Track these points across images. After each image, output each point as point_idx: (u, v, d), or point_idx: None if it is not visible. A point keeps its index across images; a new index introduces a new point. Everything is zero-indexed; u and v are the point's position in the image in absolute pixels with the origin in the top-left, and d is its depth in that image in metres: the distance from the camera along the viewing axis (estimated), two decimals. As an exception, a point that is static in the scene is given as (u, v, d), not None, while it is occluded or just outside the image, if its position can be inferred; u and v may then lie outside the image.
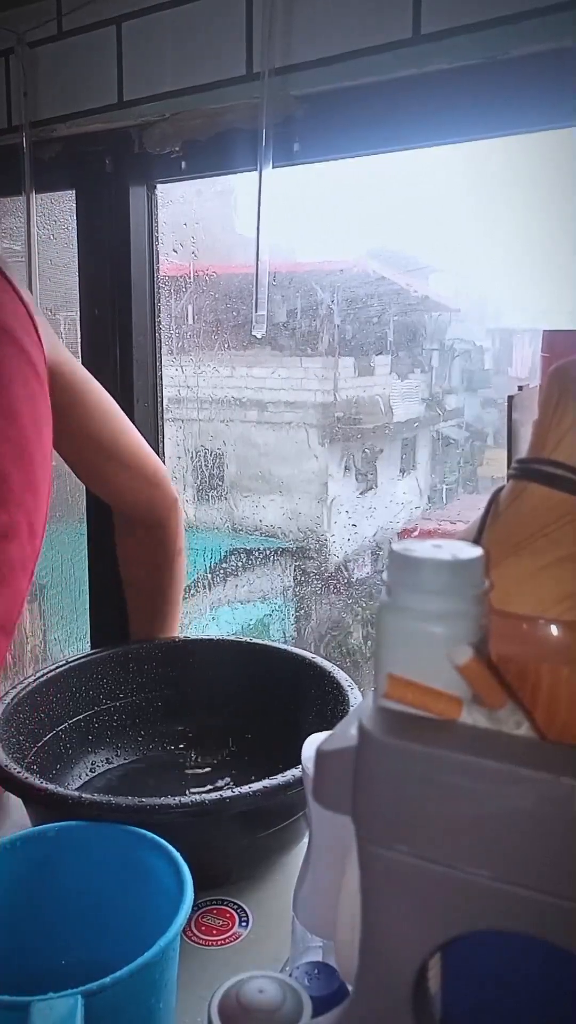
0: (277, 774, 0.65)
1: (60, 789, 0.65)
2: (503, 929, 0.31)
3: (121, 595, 1.03)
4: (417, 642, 0.35)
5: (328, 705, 0.82)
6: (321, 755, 0.35)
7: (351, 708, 0.78)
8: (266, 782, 0.65)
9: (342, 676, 0.83)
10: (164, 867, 0.56)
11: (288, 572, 1.26)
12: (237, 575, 1.28)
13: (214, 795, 0.64)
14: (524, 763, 0.30)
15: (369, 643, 1.21)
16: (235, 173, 0.90)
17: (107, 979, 0.45)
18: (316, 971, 0.49)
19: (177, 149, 0.91)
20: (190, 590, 1.27)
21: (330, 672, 0.84)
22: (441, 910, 0.33)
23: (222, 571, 1.28)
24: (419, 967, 0.34)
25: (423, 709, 0.34)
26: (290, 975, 0.48)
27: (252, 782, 0.65)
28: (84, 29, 0.93)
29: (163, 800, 0.63)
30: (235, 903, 0.71)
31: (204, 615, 1.29)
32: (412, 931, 0.33)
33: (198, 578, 1.27)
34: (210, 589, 1.28)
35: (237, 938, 0.67)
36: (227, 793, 0.64)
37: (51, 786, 0.65)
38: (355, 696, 0.79)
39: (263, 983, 0.44)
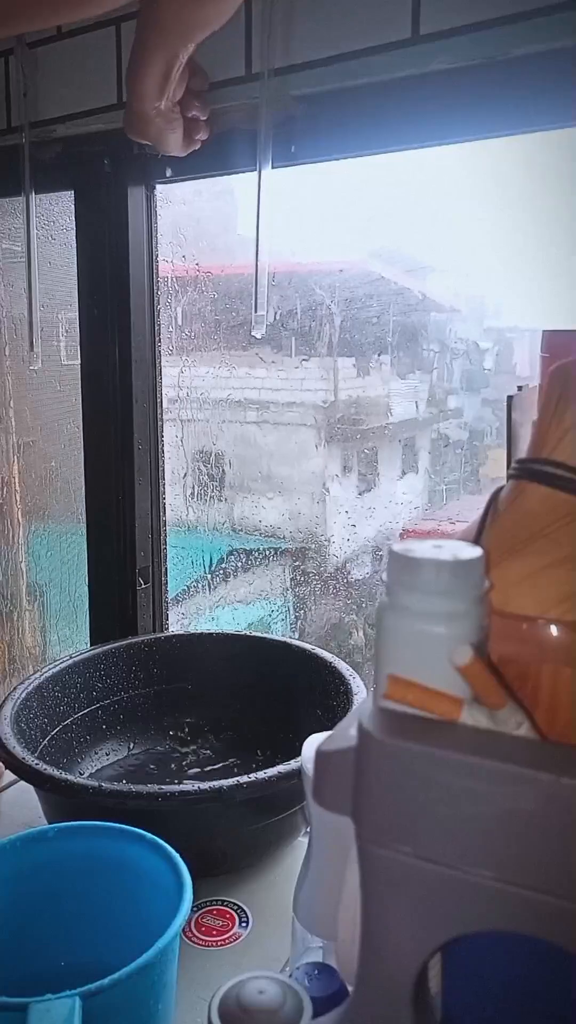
0: (281, 764, 0.66)
1: (82, 780, 0.66)
2: (504, 929, 0.31)
3: (122, 596, 1.03)
4: (417, 642, 0.35)
5: (331, 696, 0.83)
6: (321, 755, 0.35)
7: (354, 696, 0.79)
8: (280, 767, 0.65)
9: (343, 666, 0.84)
10: (163, 867, 0.56)
11: (288, 572, 1.26)
12: (237, 575, 1.28)
13: (230, 780, 0.64)
14: (525, 763, 0.30)
15: (370, 643, 1.21)
16: (235, 173, 0.90)
17: (106, 980, 0.45)
18: (316, 972, 0.49)
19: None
20: (190, 590, 1.27)
21: (331, 663, 0.85)
22: (442, 910, 0.32)
23: (222, 571, 1.28)
24: (420, 968, 0.34)
25: (424, 709, 0.34)
26: (290, 976, 0.47)
27: (257, 771, 0.65)
28: (84, 29, 0.93)
29: (182, 787, 0.65)
30: (235, 903, 0.71)
31: (204, 615, 1.28)
32: (413, 931, 0.33)
33: (198, 578, 1.27)
34: (210, 589, 1.28)
35: (237, 939, 0.67)
36: (243, 779, 0.65)
37: (72, 777, 0.66)
38: (357, 684, 0.80)
39: (263, 984, 0.44)
